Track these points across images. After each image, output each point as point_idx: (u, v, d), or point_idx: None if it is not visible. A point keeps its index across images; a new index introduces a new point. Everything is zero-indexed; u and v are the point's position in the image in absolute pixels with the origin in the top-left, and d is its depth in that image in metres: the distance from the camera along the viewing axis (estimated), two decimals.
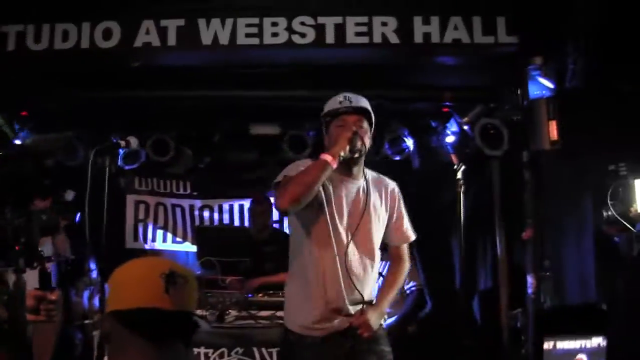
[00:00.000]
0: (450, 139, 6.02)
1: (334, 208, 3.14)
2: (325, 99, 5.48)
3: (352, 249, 3.15)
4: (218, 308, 4.68)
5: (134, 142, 3.76)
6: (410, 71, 5.30)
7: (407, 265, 3.37)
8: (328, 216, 3.12)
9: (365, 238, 3.20)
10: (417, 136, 6.35)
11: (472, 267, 5.91)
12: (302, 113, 5.62)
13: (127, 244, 6.96)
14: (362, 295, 3.20)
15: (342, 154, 3.02)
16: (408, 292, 5.82)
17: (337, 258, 3.15)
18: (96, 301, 4.97)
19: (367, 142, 3.15)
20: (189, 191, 7.14)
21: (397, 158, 6.41)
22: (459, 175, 5.12)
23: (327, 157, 3.01)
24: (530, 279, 4.98)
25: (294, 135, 6.07)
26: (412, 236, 3.37)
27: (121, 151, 6.06)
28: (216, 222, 7.01)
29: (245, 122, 6.32)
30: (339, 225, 3.14)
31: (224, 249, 5.22)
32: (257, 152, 6.52)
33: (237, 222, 7.00)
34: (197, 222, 7.03)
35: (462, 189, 5.01)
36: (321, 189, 3.10)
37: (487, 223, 5.90)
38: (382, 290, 3.27)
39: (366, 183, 3.20)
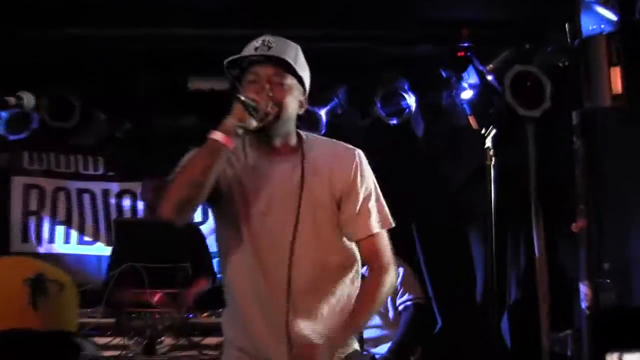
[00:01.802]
0: (467, 94, 5.99)
1: (252, 205, 2.99)
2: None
3: (296, 265, 2.99)
4: (146, 335, 4.68)
5: (28, 99, 3.38)
6: (412, 0, 5.33)
7: (386, 272, 3.09)
8: (242, 221, 2.99)
9: (314, 242, 3.02)
10: (422, 91, 6.36)
11: (499, 271, 5.60)
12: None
13: (12, 245, 6.88)
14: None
15: (239, 126, 2.83)
16: (401, 307, 5.93)
17: (266, 289, 3.01)
18: None
19: (290, 103, 2.96)
20: (101, 171, 7.14)
21: (394, 122, 6.40)
22: (488, 142, 5.00)
23: (216, 135, 2.82)
24: (583, 289, 4.97)
25: None
26: (377, 227, 3.09)
27: (3, 114, 6.13)
28: (141, 214, 6.94)
29: (180, 73, 6.33)
30: (261, 233, 3.00)
31: (154, 251, 5.21)
32: (197, 115, 6.53)
33: None
34: (113, 214, 7.04)
35: (493, 162, 4.93)
36: (230, 177, 2.99)
37: (519, 211, 5.90)
38: (349, 315, 3.06)
39: (302, 157, 3.03)
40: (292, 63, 2.92)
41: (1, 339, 1.85)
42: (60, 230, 7.03)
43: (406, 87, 6.34)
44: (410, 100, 6.35)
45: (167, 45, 5.77)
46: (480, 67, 5.80)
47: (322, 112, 6.39)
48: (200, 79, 6.30)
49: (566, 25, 5.08)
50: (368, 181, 3.10)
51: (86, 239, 7.06)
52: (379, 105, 6.35)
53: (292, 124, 3.03)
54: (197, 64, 6.18)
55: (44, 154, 7.01)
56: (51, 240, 7.00)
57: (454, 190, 6.37)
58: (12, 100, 3.30)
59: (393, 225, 3.14)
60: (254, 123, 2.83)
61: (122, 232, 6.10)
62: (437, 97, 6.39)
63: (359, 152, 3.13)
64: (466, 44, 5.68)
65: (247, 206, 2.98)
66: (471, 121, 5.93)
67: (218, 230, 3.15)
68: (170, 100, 6.53)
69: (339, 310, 3.08)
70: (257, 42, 2.96)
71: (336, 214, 3.04)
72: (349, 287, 3.12)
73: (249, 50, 2.96)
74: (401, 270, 5.90)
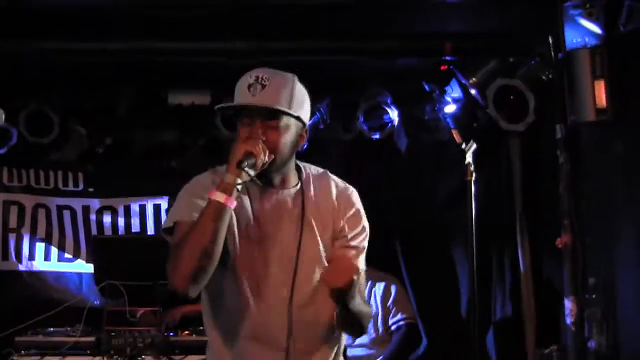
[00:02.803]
0: (450, 108, 6.03)
1: (246, 242, 2.97)
2: (275, 54, 5.42)
3: (296, 313, 2.99)
4: (126, 353, 4.71)
5: (0, 115, 3.71)
6: (395, 12, 5.29)
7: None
8: (238, 268, 2.97)
9: (312, 281, 3.02)
10: (405, 105, 6.35)
11: (484, 287, 5.81)
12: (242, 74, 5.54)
13: None
14: None
15: (238, 184, 2.81)
16: (394, 327, 5.92)
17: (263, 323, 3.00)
18: None
19: (286, 144, 2.93)
20: (81, 187, 7.03)
21: (376, 136, 6.38)
22: (469, 157, 4.80)
23: (217, 196, 2.79)
24: (568, 304, 4.97)
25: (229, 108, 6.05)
26: (362, 267, 3.12)
27: None
28: (122, 231, 6.91)
29: (161, 87, 6.34)
30: (258, 272, 2.99)
31: (134, 268, 5.24)
32: (178, 130, 6.54)
33: (151, 230, 6.89)
34: (94, 231, 6.93)
35: (473, 178, 4.77)
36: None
37: (504, 226, 5.92)
38: None
39: (301, 189, 3.05)
40: (286, 109, 2.89)
41: None
42: (40, 247, 6.95)
43: (389, 101, 6.32)
44: (393, 114, 6.33)
45: (147, 58, 5.69)
46: (464, 81, 5.78)
47: None
48: (181, 93, 6.30)
49: (550, 38, 5.07)
50: (364, 220, 3.14)
51: (67, 255, 6.97)
52: (361, 119, 6.33)
53: (290, 162, 3.01)
54: (178, 78, 6.18)
55: (23, 170, 6.94)
56: (31, 257, 6.92)
57: (438, 206, 6.33)
58: None
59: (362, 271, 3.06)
60: (252, 173, 2.81)
61: (102, 250, 6.05)
62: (420, 111, 6.40)
63: (355, 192, 3.18)
64: (449, 57, 5.66)
65: (242, 244, 2.97)
66: (455, 135, 5.77)
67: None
68: (151, 114, 6.50)
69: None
70: (250, 79, 2.91)
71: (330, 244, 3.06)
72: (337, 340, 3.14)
73: (243, 90, 2.91)
74: (394, 288, 5.98)
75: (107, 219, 7.01)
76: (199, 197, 2.88)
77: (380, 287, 5.98)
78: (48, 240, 6.96)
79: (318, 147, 5.99)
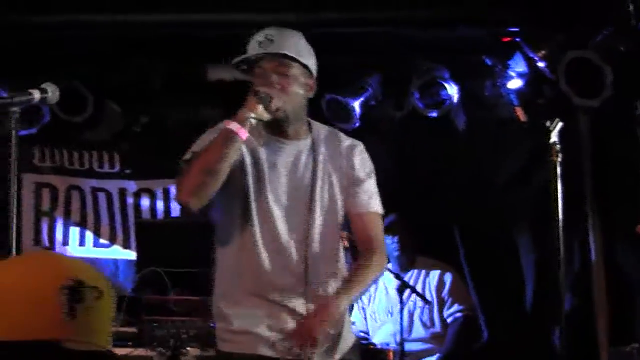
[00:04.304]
0: (514, 83, 5.97)
1: (266, 190, 3.36)
2: (322, 26, 5.55)
3: (312, 249, 3.39)
4: (169, 345, 4.76)
5: (51, 92, 3.45)
6: None
7: (381, 254, 3.51)
8: (255, 207, 3.36)
9: (324, 224, 3.43)
10: (463, 81, 6.24)
11: (551, 279, 5.58)
12: None
13: (23, 248, 6.73)
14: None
15: (251, 117, 3.21)
16: (450, 319, 5.87)
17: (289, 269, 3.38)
18: None
19: (296, 91, 3.35)
20: (117, 168, 7.08)
21: (433, 114, 6.28)
22: (553, 136, 4.72)
23: (230, 125, 3.21)
24: None
25: None
26: (377, 207, 3.52)
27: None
28: (160, 215, 6.97)
29: (201, 62, 6.32)
30: (276, 217, 3.36)
31: (176, 254, 5.30)
32: (220, 107, 6.19)
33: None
34: (130, 215, 6.98)
35: (559, 159, 4.72)
36: (245, 159, 3.34)
37: (573, 212, 5.63)
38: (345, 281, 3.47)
39: (311, 142, 3.46)
40: (294, 55, 3.28)
41: (34, 351, 1.78)
42: (73, 232, 6.98)
43: (446, 76, 6.20)
44: (451, 90, 6.21)
45: (187, 31, 5.74)
46: (529, 53, 5.69)
47: (355, 104, 6.26)
48: (222, 68, 6.26)
49: (628, 4, 4.97)
50: (366, 166, 3.51)
51: (101, 241, 7.00)
52: (416, 96, 6.22)
53: (301, 110, 3.40)
54: (219, 52, 5.94)
55: (56, 150, 6.96)
56: (64, 242, 6.94)
57: (499, 190, 6.23)
58: (34, 93, 3.37)
59: (379, 210, 3.50)
60: (265, 115, 3.21)
61: (144, 235, 6.11)
62: (480, 86, 6.27)
63: (360, 144, 3.55)
64: (513, 28, 5.64)
65: (260, 193, 3.33)
66: (518, 113, 5.94)
67: (222, 204, 3.40)
68: (189, 91, 6.51)
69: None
70: (259, 37, 3.31)
71: (341, 191, 3.44)
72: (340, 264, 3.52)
73: (252, 46, 3.31)
74: (448, 277, 5.90)
75: (144, 202, 7.01)
76: (216, 134, 3.26)
77: (433, 276, 5.91)
78: (82, 225, 6.99)
79: (368, 126, 6.33)
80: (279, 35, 3.31)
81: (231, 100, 6.20)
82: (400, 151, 6.48)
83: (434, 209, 6.26)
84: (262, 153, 3.36)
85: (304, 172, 3.39)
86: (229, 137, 3.18)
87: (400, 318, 5.47)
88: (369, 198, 3.48)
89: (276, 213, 3.34)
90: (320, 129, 3.51)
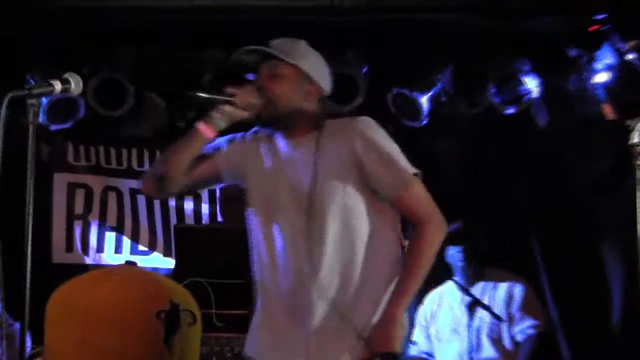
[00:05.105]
0: (601, 77, 5.86)
1: (264, 194, 3.47)
2: (387, 11, 5.48)
3: (312, 255, 3.34)
4: None
5: (76, 83, 3.33)
6: None
7: (431, 223, 3.43)
8: (258, 207, 3.49)
9: (328, 226, 3.36)
10: (546, 74, 6.13)
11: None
12: (351, 34, 5.75)
13: (54, 255, 6.72)
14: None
15: (217, 116, 3.40)
16: (521, 337, 5.64)
17: (277, 279, 3.44)
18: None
19: (283, 92, 3.45)
20: None
21: (511, 110, 6.20)
22: (636, 137, 4.69)
23: (199, 124, 3.42)
24: None
25: (339, 74, 5.99)
26: (410, 170, 3.43)
27: (44, 100, 5.87)
28: (205, 219, 6.90)
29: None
30: (276, 222, 3.42)
31: (222, 263, 5.21)
32: None
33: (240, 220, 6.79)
34: (173, 220, 6.91)
35: None
36: (249, 161, 3.52)
37: None
38: (398, 284, 3.39)
39: (317, 140, 3.46)
40: (283, 56, 3.43)
41: None
42: (110, 237, 6.87)
43: (526, 69, 6.12)
44: (531, 84, 6.13)
45: (239, 17, 5.64)
46: (619, 44, 5.62)
47: (423, 99, 6.12)
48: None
49: None
50: (382, 142, 3.41)
51: (141, 248, 6.88)
52: (492, 90, 6.14)
53: (297, 112, 3.46)
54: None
55: (92, 147, 6.88)
56: (100, 249, 6.84)
57: (584, 194, 6.13)
58: (57, 84, 3.25)
59: (418, 171, 3.43)
60: (241, 114, 3.39)
61: (184, 241, 5.91)
62: (564, 81, 6.16)
63: (363, 119, 3.46)
64: (600, 16, 5.53)
65: (262, 191, 3.47)
66: (605, 110, 5.84)
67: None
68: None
69: (365, 287, 3.36)
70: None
71: (357, 185, 3.39)
72: (377, 263, 3.38)
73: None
74: (520, 289, 5.71)
75: (188, 205, 6.95)
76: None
77: (502, 288, 5.71)
78: (119, 230, 6.90)
79: (438, 123, 6.22)
80: (280, 42, 3.52)
81: None
82: (472, 151, 6.41)
83: (508, 215, 6.21)
84: (262, 151, 3.53)
85: (307, 173, 3.41)
86: (192, 134, 3.42)
87: (470, 336, 5.36)
88: (397, 174, 3.40)
89: (278, 217, 3.41)
90: (327, 124, 3.51)
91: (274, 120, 3.46)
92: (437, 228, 3.40)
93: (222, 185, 3.82)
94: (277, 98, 3.42)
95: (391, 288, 3.36)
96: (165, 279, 2.05)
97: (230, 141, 3.55)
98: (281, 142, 3.50)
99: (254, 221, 3.52)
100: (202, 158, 3.50)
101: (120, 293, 1.89)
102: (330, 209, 3.36)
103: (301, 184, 3.40)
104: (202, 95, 3.45)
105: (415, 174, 3.41)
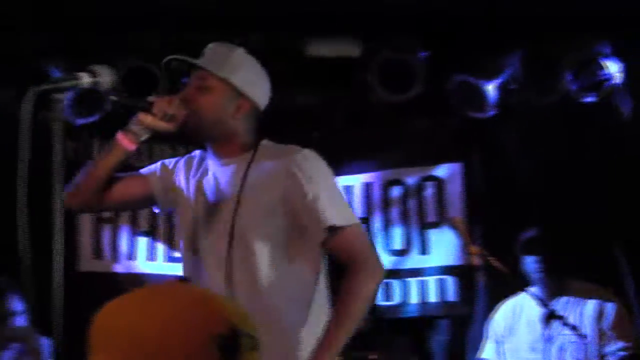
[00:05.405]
0: None
1: (188, 218, 3.50)
2: None
3: (234, 283, 3.32)
4: None
5: (104, 76, 3.24)
6: None
7: (366, 274, 3.33)
8: (183, 233, 3.54)
9: (248, 253, 3.35)
10: (629, 57, 6.01)
11: None
12: (405, 20, 5.79)
13: (82, 263, 6.55)
14: None
15: (136, 126, 3.40)
16: (612, 359, 5.30)
17: None
18: None
19: (208, 105, 3.44)
20: None
21: (590, 99, 6.06)
22: None
23: (118, 134, 3.47)
24: None
25: (390, 60, 6.07)
26: (347, 213, 3.40)
27: (70, 94, 5.86)
28: None
29: (298, 35, 6.28)
30: (199, 246, 3.45)
31: None
32: (321, 88, 6.56)
33: None
34: None
35: None
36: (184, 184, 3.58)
37: None
38: (326, 330, 3.30)
39: (249, 163, 3.45)
40: (204, 64, 3.44)
41: None
42: (142, 243, 6.73)
43: (607, 52, 6.00)
44: (613, 69, 6.01)
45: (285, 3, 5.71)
46: None
47: (490, 87, 6.04)
48: (324, 42, 6.23)
49: None
50: (318, 181, 3.36)
51: (176, 255, 6.56)
52: (569, 77, 6.01)
53: (224, 127, 3.45)
54: (319, 23, 6.04)
55: None
56: (131, 256, 6.69)
57: None
58: (84, 77, 3.12)
59: (357, 221, 3.45)
60: (161, 125, 3.34)
61: None
62: None
63: (305, 153, 3.42)
64: None
65: (186, 213, 3.48)
66: None
67: None
68: (284, 70, 5.96)
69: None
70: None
71: (284, 224, 3.35)
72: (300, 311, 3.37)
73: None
74: (611, 307, 5.33)
75: None
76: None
77: (590, 305, 5.32)
78: (152, 235, 6.80)
79: (506, 114, 6.15)
80: (214, 50, 3.52)
81: (332, 81, 6.36)
82: (546, 146, 6.17)
83: (588, 220, 5.92)
84: (191, 174, 3.57)
85: (229, 197, 3.40)
86: (113, 146, 3.45)
87: (550, 355, 5.12)
88: (327, 215, 3.30)
89: (200, 241, 3.42)
90: (267, 147, 3.50)
91: (197, 134, 3.46)
92: (368, 277, 3.32)
93: (159, 210, 3.72)
94: (201, 111, 3.41)
95: (310, 334, 3.30)
96: (223, 298, 2.00)
97: (164, 165, 3.58)
98: (212, 164, 3.51)
99: (181, 245, 3.54)
100: (135, 177, 3.56)
101: (166, 315, 1.79)
102: (251, 237, 3.33)
103: (225, 209, 3.40)
104: (114, 99, 3.33)
105: (355, 222, 3.37)
